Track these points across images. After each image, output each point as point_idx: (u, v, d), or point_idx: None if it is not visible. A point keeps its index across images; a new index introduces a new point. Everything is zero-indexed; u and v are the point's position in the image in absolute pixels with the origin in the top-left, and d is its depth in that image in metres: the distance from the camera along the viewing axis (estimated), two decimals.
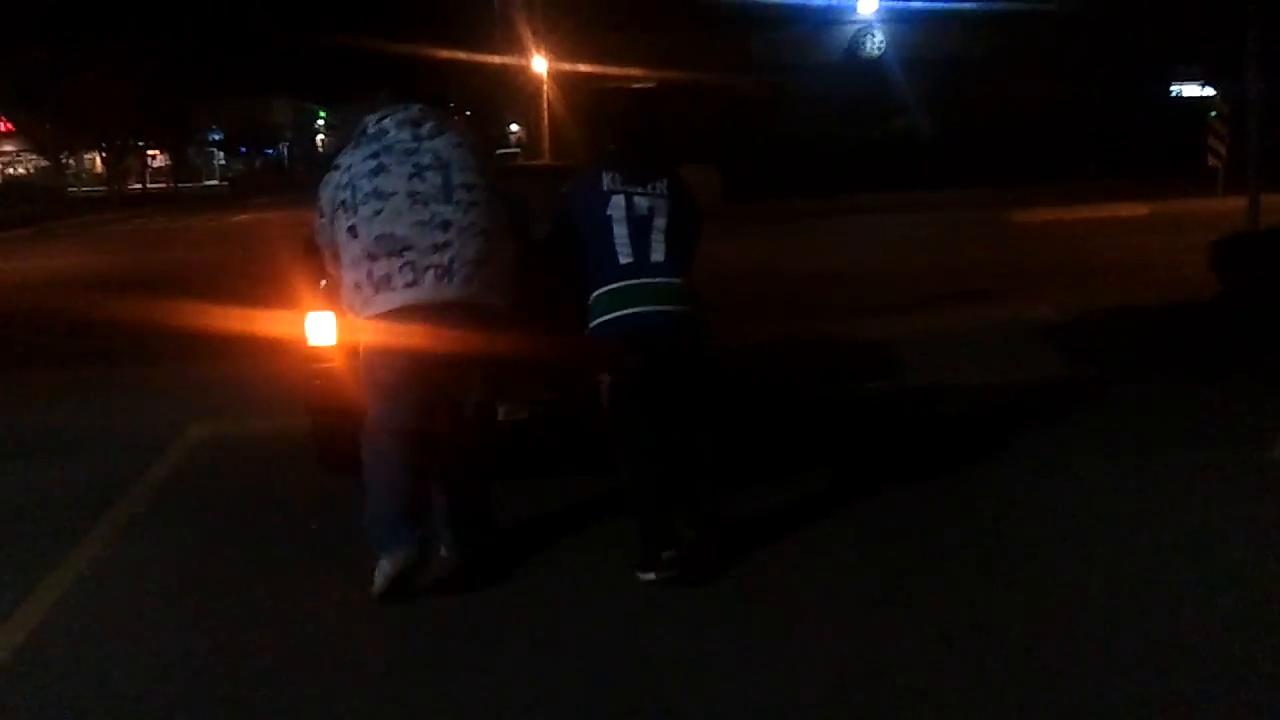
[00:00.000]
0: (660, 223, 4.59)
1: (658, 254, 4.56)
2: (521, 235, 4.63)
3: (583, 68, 29.57)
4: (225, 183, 61.24)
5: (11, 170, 58.35)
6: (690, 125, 26.42)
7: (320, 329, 5.34)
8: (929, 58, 27.64)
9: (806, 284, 13.46)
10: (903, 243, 17.81)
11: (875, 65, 28.62)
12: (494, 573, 4.61)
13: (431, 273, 4.22)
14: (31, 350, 11.28)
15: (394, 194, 4.26)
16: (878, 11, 28.86)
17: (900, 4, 28.76)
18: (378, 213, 4.24)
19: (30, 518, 5.72)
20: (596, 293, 4.57)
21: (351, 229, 4.28)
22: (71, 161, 55.43)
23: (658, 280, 4.56)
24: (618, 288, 4.52)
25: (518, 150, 56.14)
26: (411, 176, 4.30)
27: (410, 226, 4.23)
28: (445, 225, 4.26)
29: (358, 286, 4.29)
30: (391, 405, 4.35)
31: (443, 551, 4.62)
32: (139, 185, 53.22)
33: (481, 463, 4.64)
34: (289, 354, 5.96)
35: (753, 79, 27.24)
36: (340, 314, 4.75)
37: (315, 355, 5.40)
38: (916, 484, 5.67)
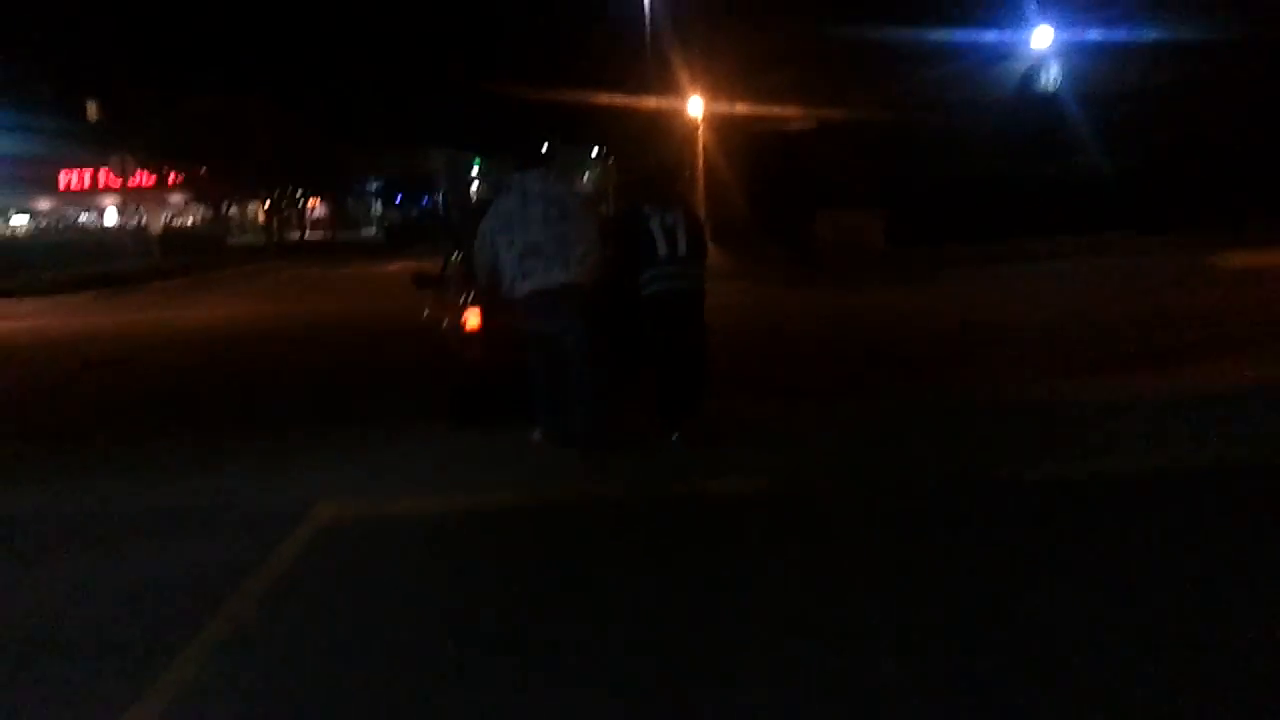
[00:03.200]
0: (680, 232, 7.47)
1: (680, 250, 7.45)
2: (602, 244, 7.48)
3: (738, 108, 28.66)
4: (381, 232, 62.01)
5: (179, 221, 60.01)
6: (853, 166, 25.35)
7: (473, 318, 8.03)
8: (1108, 91, 25.97)
9: (979, 337, 12.26)
10: (1087, 290, 16.41)
11: (1050, 100, 27.05)
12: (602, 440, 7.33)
13: (556, 266, 7.18)
14: (170, 411, 10.74)
15: (534, 219, 7.26)
16: (1052, 44, 27.27)
17: (1076, 36, 27.13)
18: (525, 230, 7.23)
19: (139, 612, 4.94)
20: (646, 273, 7.43)
21: (510, 243, 7.25)
22: (235, 211, 56.76)
23: (680, 268, 7.47)
24: (657, 271, 7.42)
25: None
26: (544, 210, 7.27)
27: (544, 238, 7.20)
28: (562, 238, 7.22)
29: (514, 278, 7.25)
30: (538, 342, 7.33)
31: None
32: (297, 234, 54.12)
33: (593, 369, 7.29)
34: (442, 341, 8.67)
35: (919, 117, 25.94)
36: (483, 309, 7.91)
37: (471, 335, 8.06)
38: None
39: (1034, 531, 5.41)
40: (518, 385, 7.48)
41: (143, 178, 44.89)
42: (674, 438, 7.42)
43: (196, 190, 44.40)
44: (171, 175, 45.91)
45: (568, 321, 7.19)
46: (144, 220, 38.77)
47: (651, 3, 35.78)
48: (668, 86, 33.91)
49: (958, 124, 25.87)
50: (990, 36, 27.23)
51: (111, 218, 54.63)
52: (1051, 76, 27.50)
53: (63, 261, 31.32)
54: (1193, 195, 23.26)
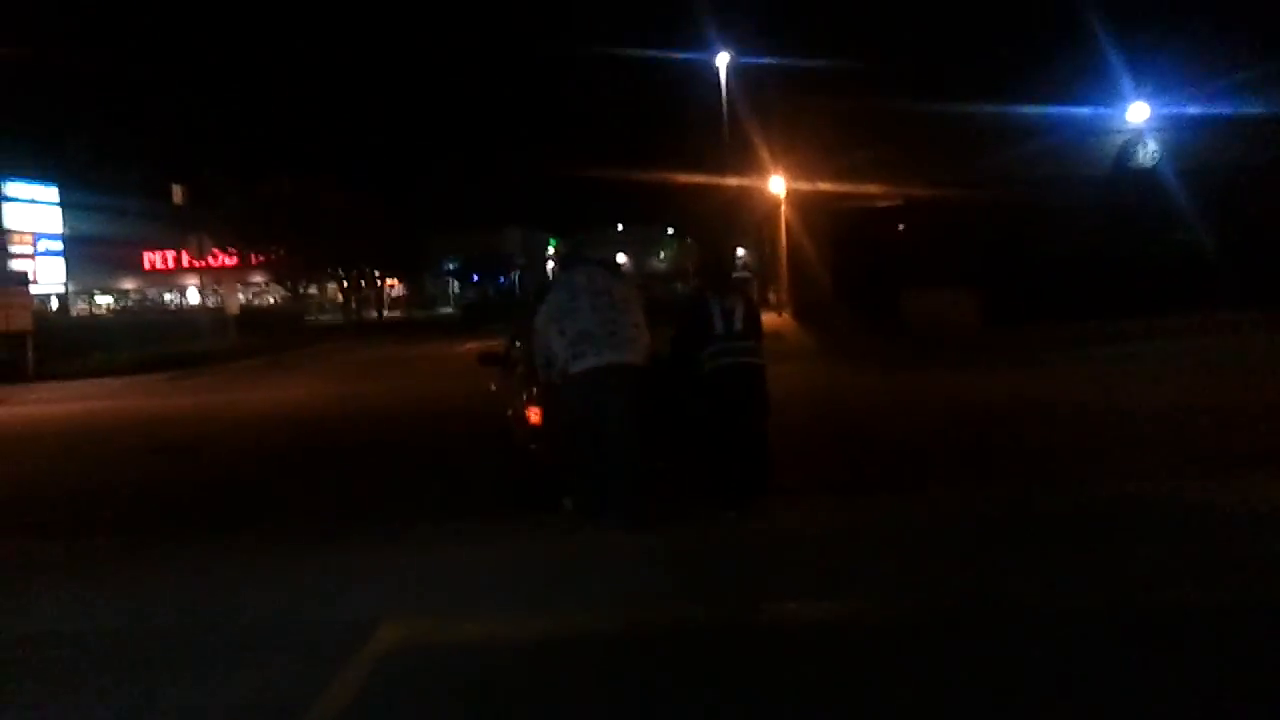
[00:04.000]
0: (737, 314, 7.93)
1: (736, 327, 7.90)
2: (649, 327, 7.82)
3: (822, 185, 27.99)
4: (458, 310, 62.10)
5: (259, 301, 60.51)
6: (942, 244, 24.51)
7: (536, 415, 8.27)
8: (1208, 166, 24.95)
9: (1090, 426, 11.32)
10: (1203, 373, 15.26)
11: (1148, 176, 26.04)
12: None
13: (609, 347, 7.44)
14: (231, 503, 10.12)
15: (583, 309, 7.60)
16: (1149, 119, 26.34)
17: (1174, 110, 26.19)
18: (575, 320, 7.57)
19: None
20: (707, 351, 7.88)
21: (561, 331, 7.58)
22: (314, 290, 57.10)
23: (738, 343, 7.89)
24: (716, 348, 7.87)
25: (747, 274, 55.06)
26: (592, 299, 7.63)
27: (594, 325, 7.51)
28: (613, 321, 7.55)
29: (567, 361, 7.49)
30: (584, 419, 7.52)
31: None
32: (375, 314, 54.22)
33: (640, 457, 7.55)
34: (507, 427, 9.20)
35: (1011, 193, 25.06)
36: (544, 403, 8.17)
37: (534, 430, 8.29)
38: None
39: (1206, 672, 4.49)
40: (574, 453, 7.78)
41: (220, 258, 45.20)
42: (732, 514, 7.63)
43: (274, 270, 44.48)
44: (250, 256, 46.20)
45: (615, 398, 7.44)
46: (221, 300, 38.69)
47: (730, 82, 35.53)
48: (748, 165, 33.48)
49: (1051, 200, 24.94)
50: (1084, 111, 26.45)
51: (194, 297, 55.25)
52: (1149, 152, 26.50)
53: (141, 341, 31.21)
54: None
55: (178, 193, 63.34)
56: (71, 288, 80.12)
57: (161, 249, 63.96)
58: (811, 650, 5.09)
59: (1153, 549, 6.35)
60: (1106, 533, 6.88)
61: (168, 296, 69.45)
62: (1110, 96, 26.31)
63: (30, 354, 27.44)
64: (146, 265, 67.50)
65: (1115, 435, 10.71)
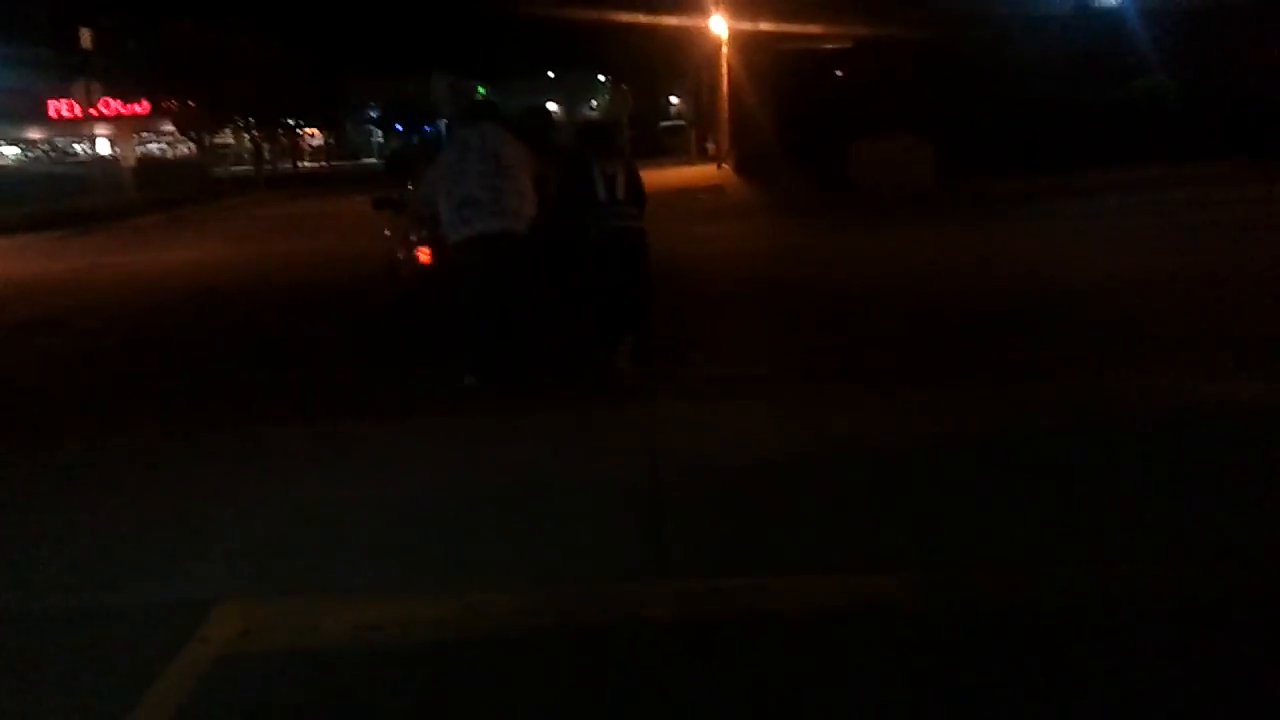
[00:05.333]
0: (620, 180, 8.01)
1: (619, 194, 7.99)
2: (536, 191, 7.82)
3: (765, 26, 26.08)
4: (381, 162, 59.51)
5: (173, 152, 57.49)
6: (893, 90, 22.90)
7: (426, 255, 8.39)
8: (1176, 6, 23.46)
9: (1072, 298, 9.92)
10: (1179, 232, 13.88)
11: (1112, 16, 24.49)
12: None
13: (490, 214, 7.53)
14: (81, 399, 8.50)
15: (470, 172, 7.62)
16: None
17: None
18: (461, 183, 7.62)
19: None
20: (589, 215, 7.97)
21: (449, 192, 7.66)
22: (231, 141, 54.26)
23: (620, 209, 8.00)
24: (600, 213, 7.95)
25: (681, 122, 53.17)
26: (480, 162, 7.66)
27: (479, 190, 7.56)
28: (496, 188, 7.57)
29: (451, 224, 7.63)
30: (470, 285, 7.66)
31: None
32: (290, 165, 51.66)
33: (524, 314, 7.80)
34: (395, 268, 9.05)
35: (966, 35, 23.43)
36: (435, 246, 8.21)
37: (424, 270, 8.42)
38: None
39: None
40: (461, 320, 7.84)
41: (124, 107, 42.30)
42: (615, 357, 7.98)
43: (178, 120, 41.57)
44: (144, 104, 43.17)
45: (499, 266, 7.54)
46: (117, 152, 36.06)
47: None
48: (688, 4, 31.36)
49: (1010, 44, 23.35)
50: None
51: (104, 149, 52.20)
52: None
53: (34, 197, 28.82)
54: (1269, 119, 20.82)
55: (86, 37, 59.60)
56: None
57: (70, 98, 60.35)
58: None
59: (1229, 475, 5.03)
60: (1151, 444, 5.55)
61: (77, 147, 66.00)
62: None
63: None
64: (52, 114, 63.83)
65: (1102, 309, 9.36)
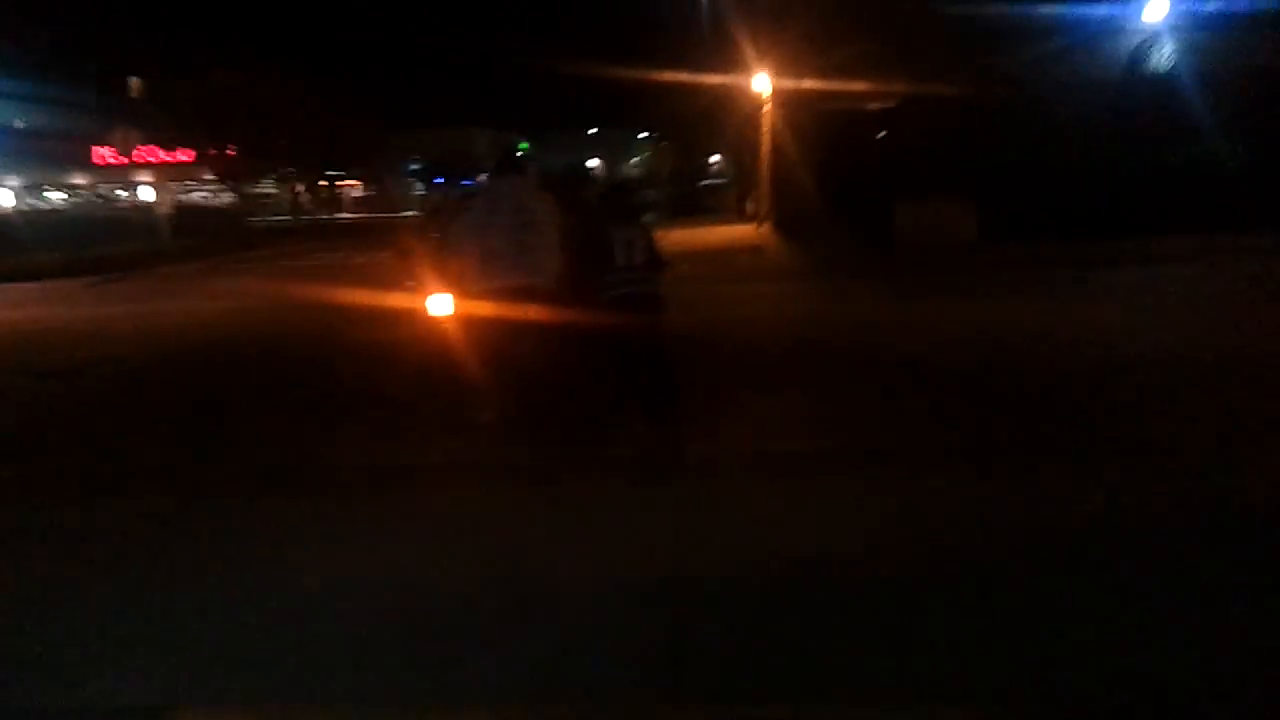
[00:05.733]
0: (638, 244, 7.92)
1: (636, 260, 7.87)
2: (564, 248, 7.77)
3: (808, 85, 25.68)
4: (420, 213, 59.56)
5: (217, 200, 57.80)
6: (939, 151, 22.35)
7: (442, 305, 8.12)
8: (1230, 70, 22.83)
9: (1136, 371, 9.25)
10: (1247, 306, 13.06)
11: (1163, 81, 23.88)
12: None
13: (515, 268, 7.50)
14: (90, 454, 8.02)
15: (498, 227, 7.61)
16: (1167, 17, 24.09)
17: (1194, 6, 23.97)
18: (488, 235, 7.61)
19: None
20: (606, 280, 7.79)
21: (475, 244, 7.63)
22: (274, 190, 54.43)
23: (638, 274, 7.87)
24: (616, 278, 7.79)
25: (721, 181, 52.88)
26: (510, 218, 7.63)
27: (505, 243, 7.55)
28: (522, 243, 7.56)
29: (476, 276, 7.58)
30: (496, 336, 7.60)
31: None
32: (325, 215, 51.67)
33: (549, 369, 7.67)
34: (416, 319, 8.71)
35: (1014, 98, 22.88)
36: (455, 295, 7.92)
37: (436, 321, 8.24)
38: None
39: None
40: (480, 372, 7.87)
41: (167, 154, 42.38)
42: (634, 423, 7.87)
43: (218, 168, 41.53)
44: (189, 152, 43.26)
45: (524, 320, 7.52)
46: (155, 199, 35.98)
47: None
48: (730, 63, 31.03)
49: (1058, 107, 22.78)
50: (1097, 9, 24.20)
51: (148, 195, 52.54)
52: (1165, 54, 24.31)
53: (72, 241, 28.69)
54: None
55: (135, 86, 60.42)
56: (19, 183, 77.10)
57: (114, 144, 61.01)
58: None
59: None
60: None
61: (121, 193, 66.61)
62: None
63: None
64: (97, 160, 64.53)
65: (1173, 385, 8.70)
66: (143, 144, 35.36)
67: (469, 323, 7.76)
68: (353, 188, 62.77)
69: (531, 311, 7.46)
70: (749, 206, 37.42)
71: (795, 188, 26.43)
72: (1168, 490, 5.82)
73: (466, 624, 4.42)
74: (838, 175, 24.32)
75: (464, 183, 68.78)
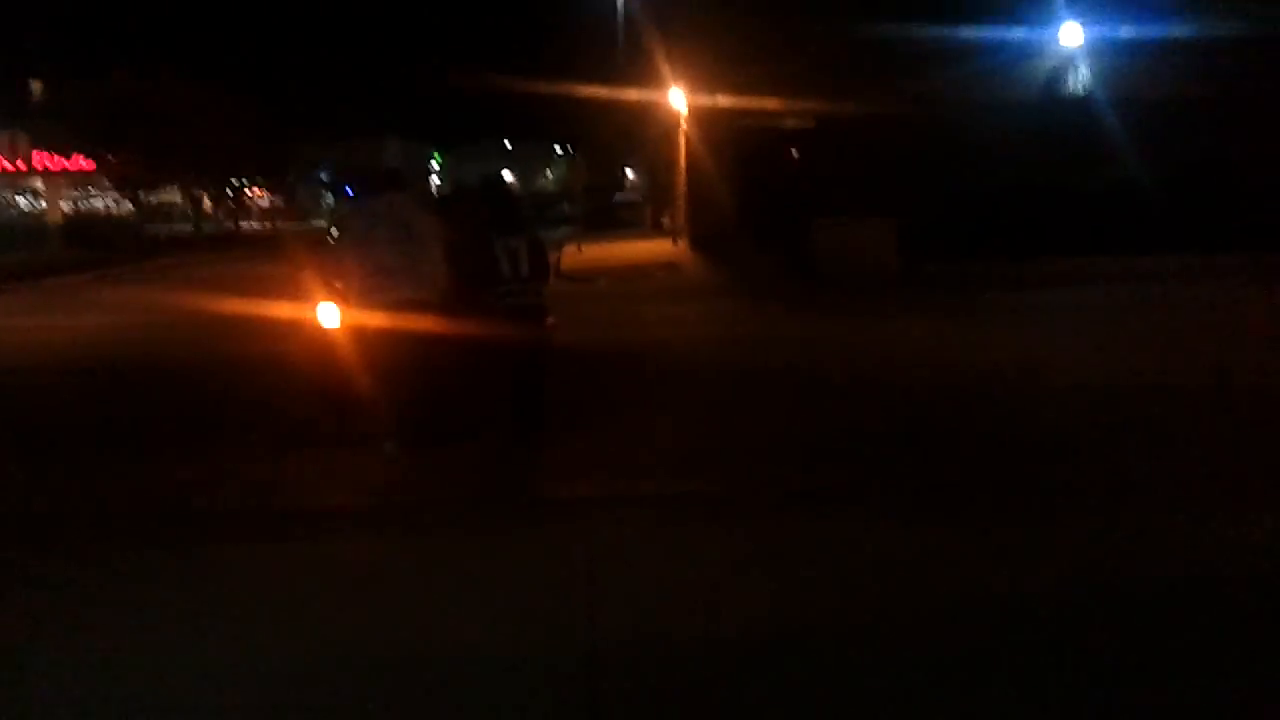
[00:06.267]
0: (522, 254, 8.00)
1: (523, 270, 7.98)
2: (447, 262, 7.94)
3: (726, 102, 25.33)
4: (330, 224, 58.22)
5: (106, 207, 55.93)
6: (857, 171, 22.07)
7: (329, 316, 8.12)
8: (1145, 97, 22.87)
9: (1067, 400, 8.89)
10: (1166, 331, 12.76)
11: (1080, 104, 23.90)
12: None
13: (402, 283, 7.64)
14: None
15: (380, 240, 7.71)
16: (1083, 43, 24.14)
17: (1109, 33, 24.03)
18: (372, 251, 7.68)
19: None
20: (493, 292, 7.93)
21: (359, 261, 7.71)
22: (179, 199, 52.85)
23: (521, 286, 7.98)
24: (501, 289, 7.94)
25: (637, 197, 52.57)
26: (390, 230, 7.74)
27: (391, 258, 7.65)
28: (409, 255, 7.71)
29: (363, 291, 7.67)
30: (382, 350, 7.64)
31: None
32: (230, 225, 50.28)
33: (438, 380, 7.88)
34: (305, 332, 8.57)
35: (933, 118, 22.68)
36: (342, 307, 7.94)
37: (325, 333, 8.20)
38: None
39: None
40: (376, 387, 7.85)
41: (62, 161, 40.79)
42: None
43: (114, 175, 39.98)
44: (82, 161, 41.63)
45: (411, 334, 7.55)
46: (45, 206, 34.55)
47: None
48: (646, 78, 30.60)
49: (976, 127, 22.63)
50: (1012, 33, 24.15)
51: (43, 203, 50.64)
52: (1080, 77, 24.36)
53: None
54: (1243, 212, 20.17)
55: (36, 89, 58.51)
56: None
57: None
58: None
59: None
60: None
61: (21, 200, 64.40)
62: (1043, 15, 24.09)
63: None
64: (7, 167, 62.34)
65: (1101, 415, 8.33)
66: (35, 149, 33.99)
67: (355, 334, 7.83)
68: (260, 197, 61.18)
69: (414, 324, 7.55)
70: (665, 223, 37.04)
71: (712, 204, 26.03)
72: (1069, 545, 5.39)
73: (351, 705, 3.81)
74: (755, 193, 23.96)
75: (374, 192, 67.69)
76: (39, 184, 48.55)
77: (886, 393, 9.51)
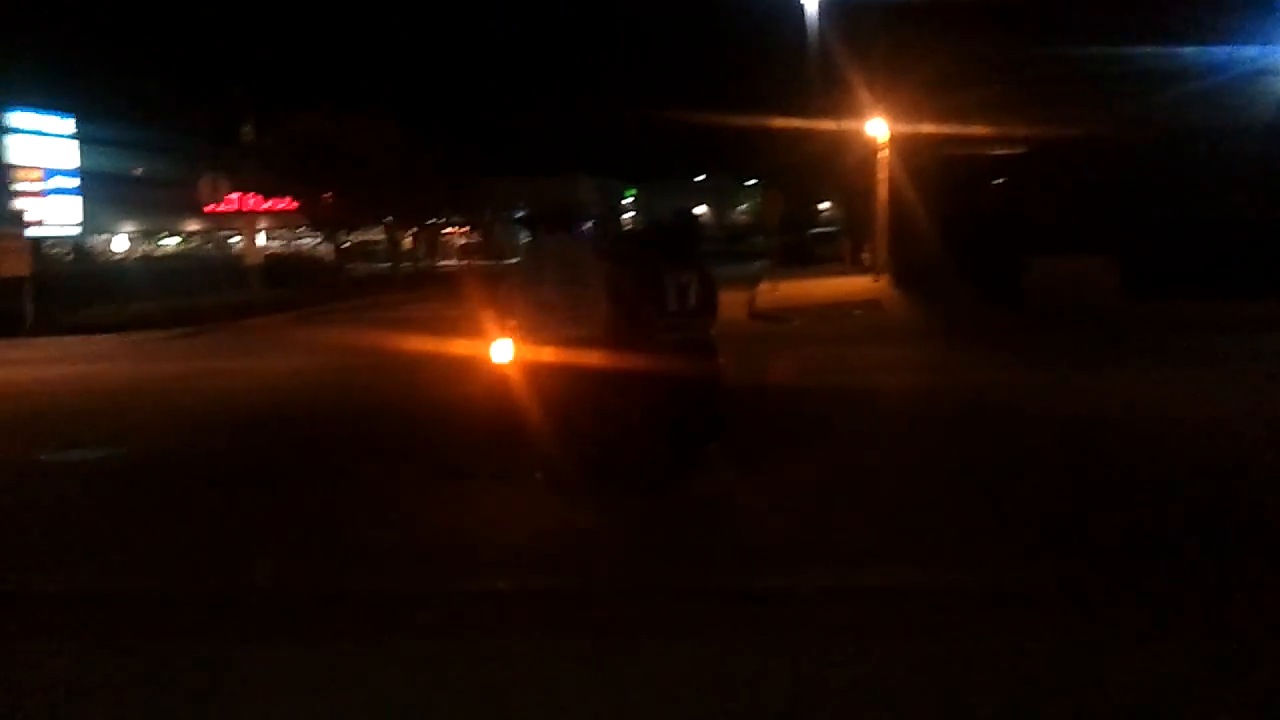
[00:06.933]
0: (693, 290, 8.09)
1: (690, 304, 8.10)
2: (611, 299, 8.03)
3: (930, 130, 23.98)
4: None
5: (312, 246, 57.50)
6: (1075, 200, 20.54)
7: (502, 352, 8.23)
8: None
9: None
10: None
11: None
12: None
13: (566, 321, 7.80)
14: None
15: (548, 281, 7.87)
16: None
17: None
18: (539, 290, 7.88)
19: None
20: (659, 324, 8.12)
21: (528, 298, 7.90)
22: (379, 237, 54.06)
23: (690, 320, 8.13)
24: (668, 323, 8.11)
25: (834, 229, 51.19)
26: (558, 271, 7.88)
27: (557, 297, 7.83)
28: (574, 296, 7.83)
29: (529, 328, 7.92)
30: (548, 389, 7.84)
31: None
32: (427, 263, 50.94)
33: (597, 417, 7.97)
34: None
35: (1155, 144, 20.92)
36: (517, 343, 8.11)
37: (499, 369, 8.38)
38: None
39: None
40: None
41: (268, 202, 41.93)
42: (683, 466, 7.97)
43: (313, 215, 40.78)
44: (281, 199, 42.68)
45: (577, 372, 7.72)
46: (241, 247, 35.31)
47: (821, 18, 31.40)
48: (843, 107, 29.48)
49: (1203, 154, 20.80)
50: (1245, 50, 22.18)
51: (261, 242, 52.29)
52: None
53: (158, 291, 28.02)
54: None
55: (248, 133, 60.99)
56: (134, 229, 78.43)
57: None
58: None
59: None
60: None
61: (234, 240, 67.06)
62: (1275, 32, 22.07)
63: (29, 304, 24.45)
64: (209, 208, 65.15)
65: None
66: (231, 191, 34.84)
67: (523, 370, 8.03)
68: (457, 235, 62.23)
69: (578, 359, 7.75)
70: (865, 257, 35.70)
71: (915, 238, 24.69)
72: None
73: None
74: (962, 226, 22.61)
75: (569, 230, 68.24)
76: (257, 224, 50.25)
77: (1126, 460, 8.23)
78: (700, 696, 4.34)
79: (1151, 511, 6.86)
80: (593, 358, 7.79)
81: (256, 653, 4.99)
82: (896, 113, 25.66)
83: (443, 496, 8.09)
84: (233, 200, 37.72)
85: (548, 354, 7.79)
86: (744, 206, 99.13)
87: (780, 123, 34.74)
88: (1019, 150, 22.64)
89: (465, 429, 9.93)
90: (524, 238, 41.76)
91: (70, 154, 64.19)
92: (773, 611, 5.37)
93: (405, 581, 6.18)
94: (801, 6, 30.48)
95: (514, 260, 9.72)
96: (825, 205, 62.07)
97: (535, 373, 7.90)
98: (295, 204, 41.63)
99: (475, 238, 62.90)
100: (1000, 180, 23.11)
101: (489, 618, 5.51)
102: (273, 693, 4.56)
